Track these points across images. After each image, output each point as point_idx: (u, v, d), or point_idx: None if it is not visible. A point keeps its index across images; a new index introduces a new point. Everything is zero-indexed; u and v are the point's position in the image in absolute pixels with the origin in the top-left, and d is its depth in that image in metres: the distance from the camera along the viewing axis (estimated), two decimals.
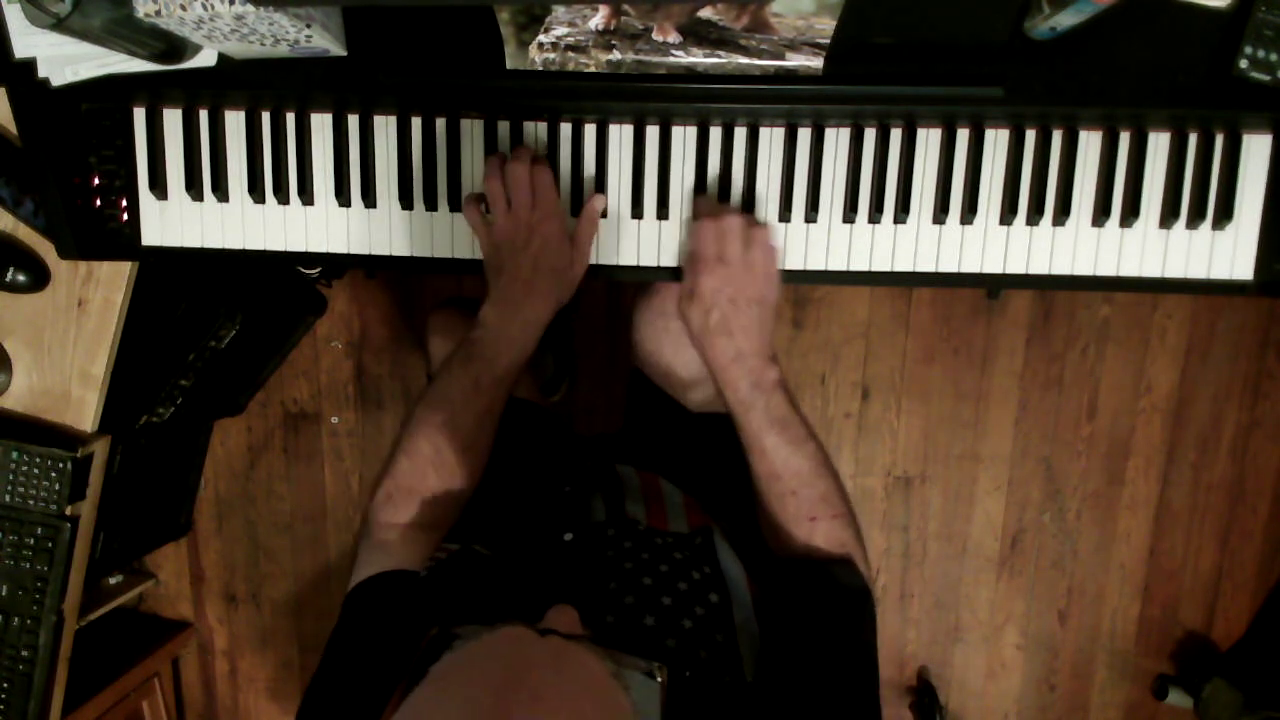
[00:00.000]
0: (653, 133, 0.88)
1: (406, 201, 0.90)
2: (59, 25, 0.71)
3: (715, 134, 0.88)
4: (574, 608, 0.50)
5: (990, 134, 0.86)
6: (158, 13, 0.70)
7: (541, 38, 0.77)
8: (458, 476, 0.81)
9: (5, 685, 1.16)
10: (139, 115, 0.90)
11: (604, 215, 0.89)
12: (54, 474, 1.10)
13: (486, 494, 0.89)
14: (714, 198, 0.88)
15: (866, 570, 0.76)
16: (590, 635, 0.50)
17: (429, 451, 0.80)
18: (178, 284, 1.35)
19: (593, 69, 0.79)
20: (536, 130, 0.89)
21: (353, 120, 0.90)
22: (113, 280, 1.04)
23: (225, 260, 0.93)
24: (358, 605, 0.70)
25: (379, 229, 0.92)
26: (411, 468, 0.80)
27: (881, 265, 0.89)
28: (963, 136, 0.86)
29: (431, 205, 0.91)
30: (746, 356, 0.78)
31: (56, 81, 0.85)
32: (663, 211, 0.89)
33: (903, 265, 0.89)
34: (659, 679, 0.49)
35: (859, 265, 0.89)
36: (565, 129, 0.88)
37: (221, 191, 0.91)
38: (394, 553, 0.74)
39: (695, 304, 0.80)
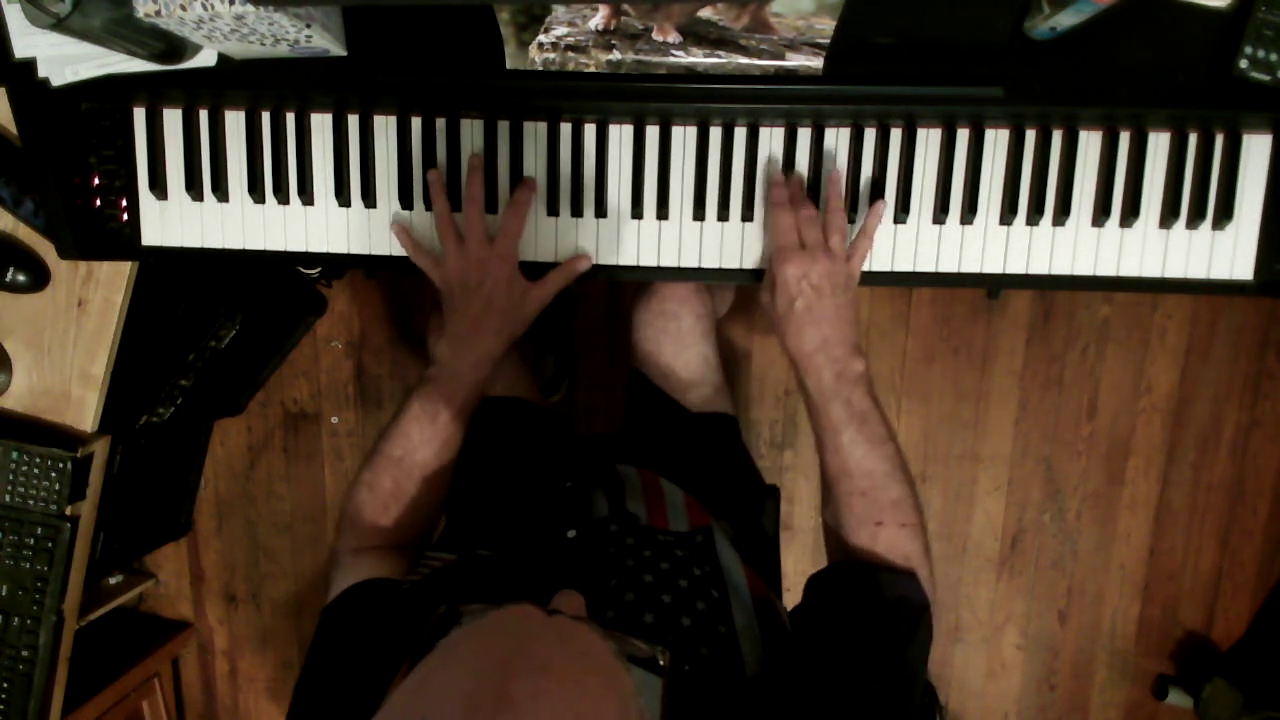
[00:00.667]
0: (653, 133, 0.88)
1: (406, 201, 0.90)
2: (59, 25, 0.71)
3: (715, 134, 0.88)
4: (580, 594, 0.51)
5: (990, 134, 0.86)
6: (158, 13, 0.70)
7: (541, 38, 0.77)
8: (419, 506, 0.84)
9: (5, 685, 1.16)
10: (139, 115, 0.90)
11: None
12: (54, 474, 1.10)
13: (488, 492, 0.90)
14: (790, 184, 0.86)
15: (930, 588, 0.72)
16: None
17: (389, 485, 0.83)
18: (178, 284, 1.35)
19: (593, 69, 0.79)
20: (536, 130, 0.89)
21: (353, 120, 0.90)
22: (113, 280, 1.04)
23: (225, 260, 0.93)
24: (339, 613, 0.70)
25: (379, 229, 0.92)
26: (373, 500, 0.83)
27: (882, 265, 0.89)
28: (963, 136, 0.86)
29: (432, 205, 0.90)
30: (832, 345, 0.77)
31: (56, 81, 0.85)
32: (663, 211, 0.89)
33: (903, 265, 0.89)
34: (662, 662, 0.49)
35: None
36: (565, 129, 0.88)
37: (221, 191, 0.91)
38: (364, 572, 0.75)
39: (779, 292, 0.79)
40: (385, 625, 0.63)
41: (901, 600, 0.70)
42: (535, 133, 0.89)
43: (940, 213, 0.87)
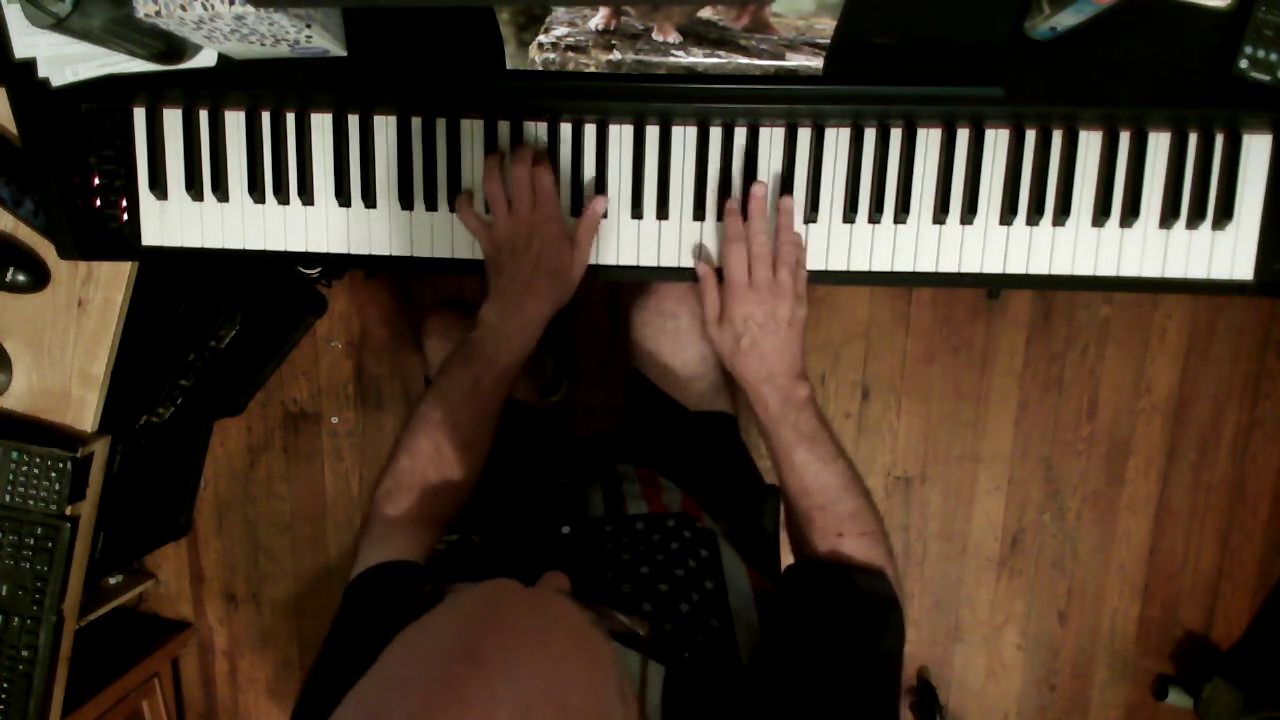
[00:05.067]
0: (653, 133, 0.88)
1: (406, 201, 0.90)
2: (59, 25, 0.71)
3: (715, 134, 0.88)
4: (565, 575, 0.51)
5: (990, 134, 0.86)
6: (158, 13, 0.70)
7: (541, 38, 0.77)
8: (457, 473, 0.82)
9: (5, 685, 1.16)
10: (139, 115, 0.90)
11: (604, 216, 0.89)
12: (54, 474, 1.10)
13: (486, 488, 0.90)
14: (743, 215, 0.86)
15: (897, 587, 0.76)
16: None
17: (429, 449, 0.80)
18: (178, 284, 1.35)
19: (593, 69, 0.79)
20: (536, 130, 0.89)
21: (353, 120, 0.90)
22: (113, 280, 1.04)
23: (225, 260, 0.93)
24: (357, 595, 0.70)
25: (379, 229, 0.92)
26: (412, 465, 0.81)
27: (881, 265, 0.89)
28: (963, 136, 0.86)
29: (431, 205, 0.91)
30: (777, 375, 0.80)
31: (56, 81, 0.85)
32: (663, 211, 0.89)
33: (903, 265, 0.89)
34: (640, 633, 0.50)
35: (859, 265, 0.89)
36: (565, 129, 0.88)
37: (221, 191, 0.91)
38: (395, 545, 0.74)
39: (726, 328, 0.82)
40: (397, 618, 0.63)
41: (872, 595, 0.73)
42: (535, 133, 0.89)
43: (940, 213, 0.87)
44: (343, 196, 0.91)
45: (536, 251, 0.83)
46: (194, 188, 0.91)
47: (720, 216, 0.89)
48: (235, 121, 0.90)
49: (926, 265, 0.89)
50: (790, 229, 0.84)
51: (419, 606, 0.49)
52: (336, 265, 1.20)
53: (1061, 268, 0.88)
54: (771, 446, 0.81)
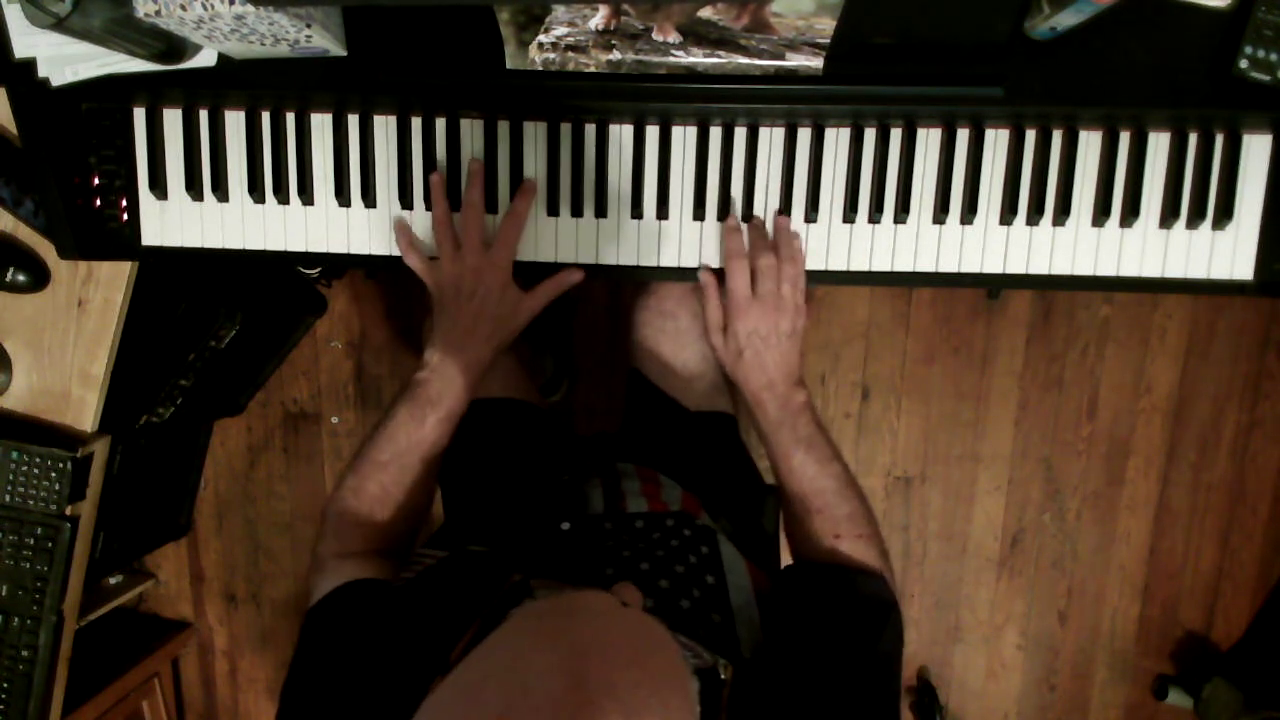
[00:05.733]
0: (653, 133, 0.88)
1: (406, 201, 0.90)
2: (59, 25, 0.71)
3: (715, 134, 0.88)
4: (638, 589, 0.52)
5: (990, 134, 0.86)
6: (158, 13, 0.70)
7: (541, 38, 0.77)
8: (404, 511, 0.84)
9: (5, 685, 1.16)
10: (139, 115, 0.90)
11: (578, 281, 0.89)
12: (54, 474, 1.10)
13: (486, 489, 0.90)
14: (746, 230, 0.88)
15: (894, 590, 0.77)
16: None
17: (375, 491, 0.82)
18: (178, 284, 1.35)
19: (593, 69, 0.79)
20: (536, 130, 0.89)
21: (353, 120, 0.90)
22: (113, 280, 1.04)
23: (225, 260, 0.93)
24: (328, 613, 0.68)
25: (379, 229, 0.92)
26: (358, 506, 0.82)
27: (881, 265, 0.89)
28: (963, 136, 0.86)
29: (431, 208, 0.90)
30: (776, 384, 0.82)
31: (56, 81, 0.85)
32: (663, 211, 0.89)
33: (903, 265, 0.89)
34: (724, 676, 0.51)
35: (859, 265, 0.89)
36: (565, 129, 0.88)
37: (221, 191, 0.91)
38: (349, 575, 0.73)
39: (730, 340, 0.84)
40: (379, 624, 0.62)
41: (872, 596, 0.74)
42: (535, 133, 0.89)
43: (940, 213, 0.87)
44: (343, 196, 0.91)
45: (480, 298, 0.84)
46: (194, 188, 0.91)
47: (720, 217, 0.89)
48: (235, 121, 0.90)
49: (926, 265, 0.89)
50: (790, 244, 0.85)
51: (505, 597, 0.50)
52: (336, 265, 1.20)
53: (1061, 268, 0.88)
54: (771, 451, 0.83)
